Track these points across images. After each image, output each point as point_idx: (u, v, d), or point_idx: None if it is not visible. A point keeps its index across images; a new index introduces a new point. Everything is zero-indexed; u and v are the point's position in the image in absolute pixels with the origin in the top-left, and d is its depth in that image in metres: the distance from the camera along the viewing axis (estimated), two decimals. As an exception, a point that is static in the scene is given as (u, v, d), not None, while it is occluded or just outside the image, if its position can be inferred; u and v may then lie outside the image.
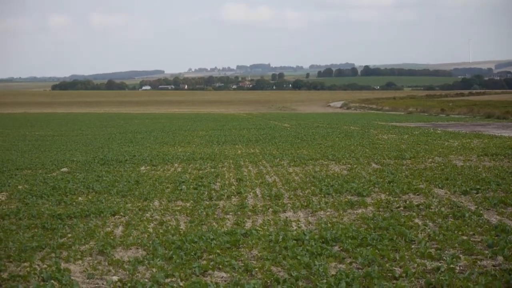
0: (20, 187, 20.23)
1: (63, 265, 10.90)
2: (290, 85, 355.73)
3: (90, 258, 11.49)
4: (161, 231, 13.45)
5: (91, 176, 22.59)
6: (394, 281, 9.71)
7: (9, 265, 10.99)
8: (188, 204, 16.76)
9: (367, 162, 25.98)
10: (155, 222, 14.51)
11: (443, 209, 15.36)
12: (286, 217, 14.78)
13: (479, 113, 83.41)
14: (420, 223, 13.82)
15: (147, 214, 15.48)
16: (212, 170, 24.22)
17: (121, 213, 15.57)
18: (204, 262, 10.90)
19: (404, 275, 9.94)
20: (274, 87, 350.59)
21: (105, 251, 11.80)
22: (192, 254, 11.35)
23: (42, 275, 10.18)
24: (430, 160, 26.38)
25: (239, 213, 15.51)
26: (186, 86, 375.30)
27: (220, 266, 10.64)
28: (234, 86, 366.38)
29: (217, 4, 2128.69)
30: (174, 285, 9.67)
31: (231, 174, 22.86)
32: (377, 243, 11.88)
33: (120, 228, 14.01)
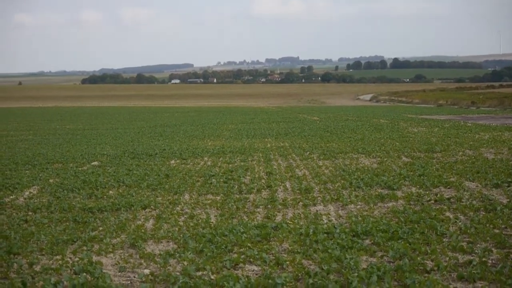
0: (51, 180, 20.37)
1: (94, 258, 10.96)
2: (319, 78, 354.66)
3: (122, 251, 11.54)
4: (191, 224, 13.48)
5: (122, 169, 22.70)
6: (426, 275, 9.65)
7: (41, 258, 11.07)
8: (218, 198, 16.78)
9: (397, 155, 25.88)
10: (185, 216, 14.55)
11: (474, 202, 15.27)
12: (317, 211, 14.77)
13: (510, 105, 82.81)
14: (451, 216, 13.75)
15: (178, 208, 15.52)
16: (242, 163, 24.24)
17: (152, 207, 15.63)
18: (235, 255, 10.91)
19: (436, 268, 9.88)
20: (303, 80, 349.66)
21: (136, 244, 11.85)
22: (223, 247, 11.36)
23: (74, 268, 10.23)
24: (460, 153, 26.22)
25: (269, 206, 15.51)
26: (215, 80, 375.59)
27: (251, 259, 10.64)
28: (263, 80, 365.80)
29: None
30: (206, 278, 9.67)
31: (261, 168, 22.86)
32: (408, 236, 11.82)
33: (151, 221, 14.06)
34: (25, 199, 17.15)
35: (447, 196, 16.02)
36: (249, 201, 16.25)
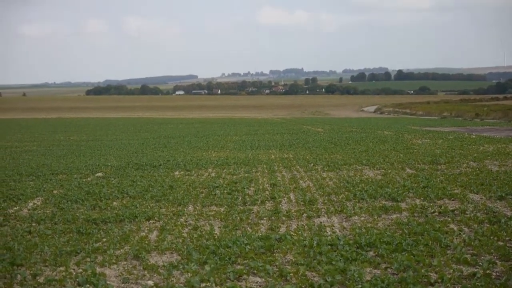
0: (55, 192, 20.37)
1: (98, 269, 10.95)
2: (323, 90, 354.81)
3: (125, 262, 11.53)
4: (195, 236, 13.46)
5: (126, 181, 22.69)
6: (430, 287, 9.65)
7: (45, 269, 11.07)
8: (222, 209, 16.76)
9: (401, 167, 25.85)
10: (189, 227, 14.53)
11: (478, 214, 15.25)
12: (320, 222, 14.75)
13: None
14: (455, 228, 13.72)
15: (182, 219, 15.51)
16: (246, 175, 24.22)
17: (156, 218, 15.62)
18: (239, 267, 10.90)
19: (439, 280, 9.86)
20: (307, 92, 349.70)
21: (140, 255, 11.84)
22: (227, 259, 11.35)
23: (77, 279, 10.23)
24: (465, 165, 26.18)
25: (273, 218, 15.49)
26: (219, 91, 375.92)
27: (255, 271, 10.63)
28: (267, 91, 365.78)
29: (252, 9, 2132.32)
30: (209, 290, 9.68)
31: (265, 179, 22.85)
32: (412, 248, 11.80)
33: (155, 232, 14.05)
34: (29, 210, 17.16)
35: (451, 208, 16.00)
36: (253, 212, 16.24)
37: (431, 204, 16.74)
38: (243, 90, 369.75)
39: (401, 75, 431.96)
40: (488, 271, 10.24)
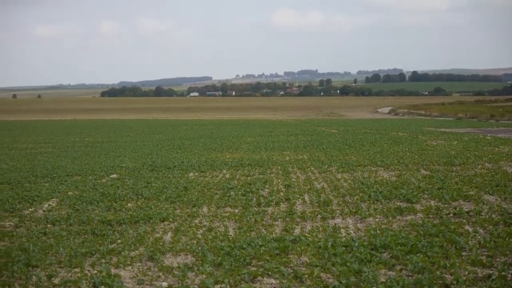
0: (70, 193, 20.42)
1: (113, 270, 10.97)
2: (338, 91, 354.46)
3: (140, 264, 11.54)
4: (210, 237, 13.46)
5: (140, 182, 22.72)
6: (445, 289, 9.62)
7: (60, 270, 11.09)
8: (236, 211, 16.77)
9: (416, 168, 25.79)
10: (204, 229, 14.53)
11: (493, 215, 15.18)
12: (335, 224, 14.72)
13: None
14: (470, 230, 13.67)
15: (196, 220, 15.52)
16: (261, 176, 24.21)
17: (170, 219, 15.63)
18: (253, 268, 10.89)
19: (455, 282, 9.82)
20: (321, 93, 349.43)
21: (154, 257, 11.85)
22: (241, 260, 11.34)
23: (92, 280, 10.25)
24: (480, 166, 26.09)
25: (287, 219, 15.48)
26: (233, 93, 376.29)
27: (269, 273, 10.62)
28: (282, 92, 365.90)
29: (267, 10, 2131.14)
30: (224, 291, 9.67)
31: (279, 181, 22.83)
32: (427, 250, 11.76)
33: (169, 234, 14.06)
34: (44, 211, 17.20)
35: (466, 210, 15.93)
36: (268, 214, 16.22)
37: (446, 206, 16.69)
38: (258, 91, 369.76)
39: (416, 76, 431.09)
40: (503, 273, 10.19)
